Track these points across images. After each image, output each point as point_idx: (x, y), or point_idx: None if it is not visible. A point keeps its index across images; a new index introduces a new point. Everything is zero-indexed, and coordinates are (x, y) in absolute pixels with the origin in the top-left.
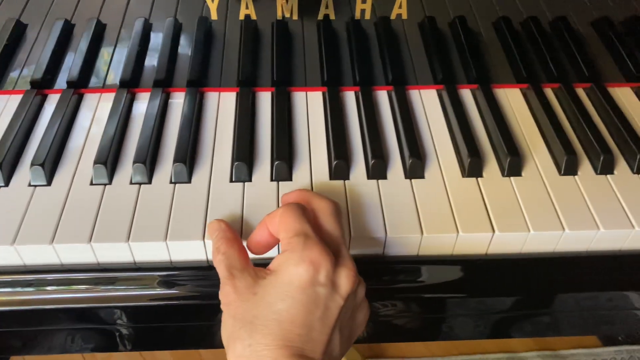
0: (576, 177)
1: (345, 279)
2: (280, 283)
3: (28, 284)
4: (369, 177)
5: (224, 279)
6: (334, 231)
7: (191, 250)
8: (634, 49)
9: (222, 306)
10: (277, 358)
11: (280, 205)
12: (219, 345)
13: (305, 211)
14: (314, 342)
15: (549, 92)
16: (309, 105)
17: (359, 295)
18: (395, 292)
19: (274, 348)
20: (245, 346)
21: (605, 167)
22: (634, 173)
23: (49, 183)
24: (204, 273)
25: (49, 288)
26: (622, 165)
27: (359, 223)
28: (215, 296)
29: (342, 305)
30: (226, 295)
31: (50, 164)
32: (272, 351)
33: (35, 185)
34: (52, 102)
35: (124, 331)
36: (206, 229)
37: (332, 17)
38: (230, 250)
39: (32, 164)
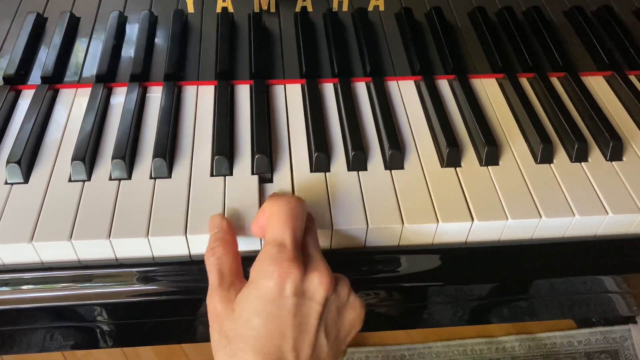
0: (552, 165)
1: (318, 284)
2: (252, 297)
3: (4, 283)
4: (350, 168)
5: (213, 285)
6: (310, 236)
7: (173, 245)
8: (606, 38)
9: (209, 317)
10: None
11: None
12: (201, 339)
13: (296, 211)
14: (295, 350)
15: (524, 82)
16: (288, 98)
17: (341, 294)
18: (376, 282)
19: None
20: None
21: (580, 155)
22: (607, 160)
23: (26, 181)
24: (186, 268)
25: (25, 287)
26: (595, 153)
27: (340, 215)
28: (195, 291)
29: (320, 310)
30: (214, 307)
31: (27, 161)
32: None
33: (12, 183)
34: (26, 98)
35: (105, 328)
36: (208, 221)
37: (310, 9)
38: (225, 257)
39: (8, 162)
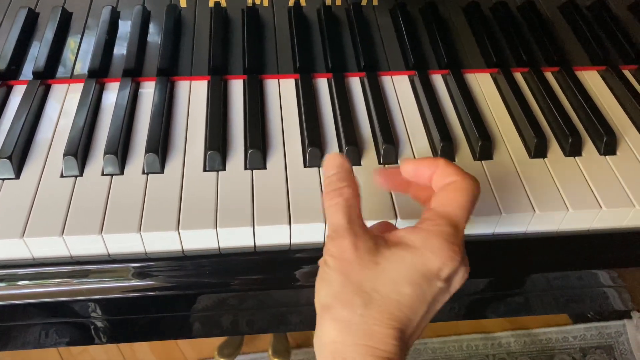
0: (546, 159)
1: (462, 279)
2: (407, 263)
3: None
4: None
5: (341, 229)
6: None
7: (165, 241)
8: (600, 33)
9: (329, 257)
10: (386, 335)
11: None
12: (196, 335)
13: (477, 198)
14: (415, 326)
15: (518, 77)
16: (282, 93)
17: None
18: None
19: (386, 327)
20: (355, 313)
21: (574, 150)
22: (601, 154)
23: (18, 176)
24: (179, 263)
25: (20, 283)
26: (589, 148)
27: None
28: (190, 287)
29: (447, 300)
30: (343, 250)
31: (19, 156)
32: (383, 328)
33: (3, 179)
34: (17, 93)
35: (98, 323)
36: (324, 161)
37: (303, 3)
38: (354, 200)
39: None
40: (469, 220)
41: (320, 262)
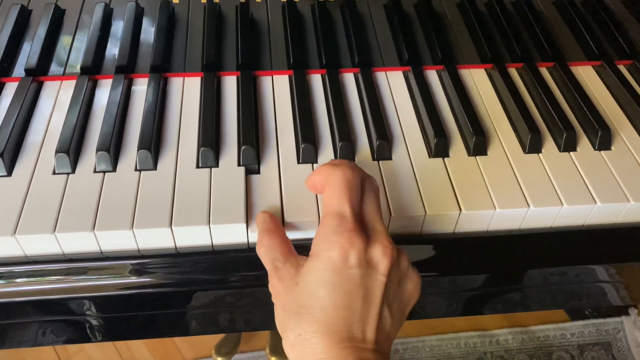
0: (540, 154)
1: (382, 255)
2: (316, 270)
3: None
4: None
5: (269, 272)
6: (368, 206)
7: (158, 237)
8: (595, 28)
9: (272, 298)
10: (326, 344)
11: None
12: (193, 332)
13: (352, 182)
14: (361, 322)
15: (513, 72)
16: (275, 89)
17: (402, 265)
18: None
19: (322, 335)
20: (295, 335)
21: (568, 145)
22: (595, 150)
23: (9, 174)
24: (174, 260)
25: (18, 280)
26: (584, 143)
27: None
28: (185, 284)
29: (385, 281)
30: (274, 287)
31: (10, 153)
32: (320, 338)
33: None
34: (9, 90)
35: (96, 322)
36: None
37: None
38: (272, 242)
39: None
40: (363, 202)
41: None
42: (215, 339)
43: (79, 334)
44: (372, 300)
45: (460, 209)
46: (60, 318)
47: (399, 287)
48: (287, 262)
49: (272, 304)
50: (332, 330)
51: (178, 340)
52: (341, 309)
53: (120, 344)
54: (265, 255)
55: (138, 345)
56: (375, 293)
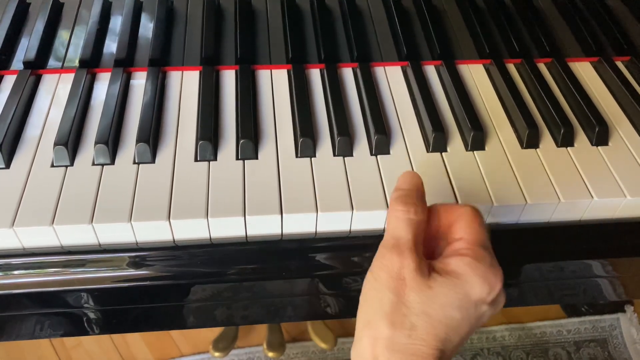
0: (538, 150)
1: (502, 302)
2: (459, 291)
3: None
4: (335, 154)
5: (405, 245)
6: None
7: (156, 230)
8: (593, 24)
9: (382, 273)
10: (428, 355)
11: None
12: (191, 325)
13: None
14: (456, 345)
15: (511, 68)
16: (274, 84)
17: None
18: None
19: (429, 347)
20: (402, 334)
21: (566, 140)
22: (592, 145)
23: (8, 166)
24: (172, 253)
25: (16, 272)
26: (581, 138)
27: (326, 200)
28: (184, 276)
29: (489, 315)
30: (402, 267)
31: (8, 146)
32: (428, 350)
33: None
34: (8, 83)
35: (94, 314)
36: (404, 174)
37: None
38: (424, 224)
39: None
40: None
41: (369, 274)
42: (212, 334)
43: (77, 327)
44: (471, 331)
45: (457, 204)
46: (58, 310)
47: None
48: (424, 258)
49: (269, 299)
50: (440, 348)
51: (175, 335)
52: (458, 335)
53: (118, 339)
54: (412, 226)
55: (135, 340)
56: (478, 327)
